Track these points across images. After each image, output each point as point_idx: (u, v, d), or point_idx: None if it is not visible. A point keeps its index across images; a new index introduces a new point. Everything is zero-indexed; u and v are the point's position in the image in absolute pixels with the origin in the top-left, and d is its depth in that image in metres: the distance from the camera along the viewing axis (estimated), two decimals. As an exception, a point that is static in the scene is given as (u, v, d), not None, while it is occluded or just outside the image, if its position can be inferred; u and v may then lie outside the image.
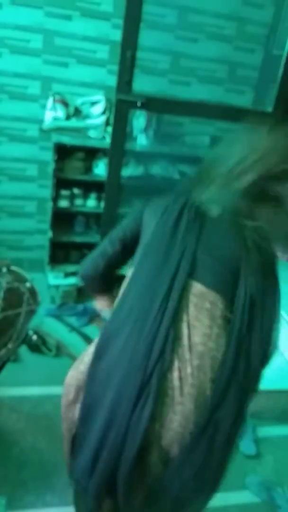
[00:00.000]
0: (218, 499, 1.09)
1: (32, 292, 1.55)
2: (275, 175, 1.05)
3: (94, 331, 2.70)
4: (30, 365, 2.38)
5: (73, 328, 2.71)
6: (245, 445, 2.08)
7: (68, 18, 2.55)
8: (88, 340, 2.61)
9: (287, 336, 2.40)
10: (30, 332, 2.47)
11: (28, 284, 1.55)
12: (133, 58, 2.11)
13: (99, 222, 2.82)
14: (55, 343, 2.52)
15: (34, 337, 2.47)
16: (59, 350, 2.50)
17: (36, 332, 2.50)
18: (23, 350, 2.45)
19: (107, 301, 1.40)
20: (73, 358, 2.40)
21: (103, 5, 2.55)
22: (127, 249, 1.25)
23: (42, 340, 2.49)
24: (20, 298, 1.50)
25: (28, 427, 2.03)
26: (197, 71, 2.83)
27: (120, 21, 2.09)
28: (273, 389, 2.24)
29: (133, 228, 1.23)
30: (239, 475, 1.94)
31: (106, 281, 1.34)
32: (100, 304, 1.44)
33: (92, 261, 1.31)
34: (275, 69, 2.37)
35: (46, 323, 2.70)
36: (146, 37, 2.24)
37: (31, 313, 1.55)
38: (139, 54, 2.14)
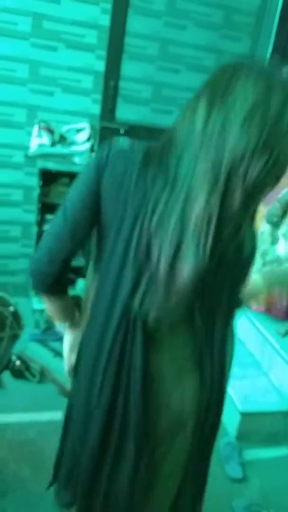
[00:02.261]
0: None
1: (16, 316, 1.55)
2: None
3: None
4: (13, 391, 2.34)
5: (57, 353, 2.69)
6: (232, 468, 2.07)
7: (54, 49, 2.63)
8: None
9: (271, 356, 2.43)
10: (14, 357, 2.44)
11: (11, 309, 1.55)
12: (116, 87, 2.20)
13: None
14: (39, 368, 2.49)
15: (18, 363, 2.44)
16: (43, 376, 2.47)
17: (19, 357, 2.47)
18: (6, 376, 2.40)
19: (63, 307, 1.12)
20: (57, 383, 2.38)
21: (87, 38, 2.64)
22: (88, 233, 1.02)
23: (26, 365, 2.46)
24: (3, 323, 1.50)
25: (11, 454, 1.98)
26: (178, 100, 2.92)
27: (103, 53, 2.17)
28: (258, 411, 2.25)
29: (91, 205, 0.95)
30: (226, 498, 1.92)
31: (63, 277, 1.04)
32: (53, 314, 1.15)
33: (48, 254, 1.00)
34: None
35: (30, 348, 2.67)
36: (129, 68, 2.33)
37: (14, 337, 1.55)
38: (122, 84, 2.23)
